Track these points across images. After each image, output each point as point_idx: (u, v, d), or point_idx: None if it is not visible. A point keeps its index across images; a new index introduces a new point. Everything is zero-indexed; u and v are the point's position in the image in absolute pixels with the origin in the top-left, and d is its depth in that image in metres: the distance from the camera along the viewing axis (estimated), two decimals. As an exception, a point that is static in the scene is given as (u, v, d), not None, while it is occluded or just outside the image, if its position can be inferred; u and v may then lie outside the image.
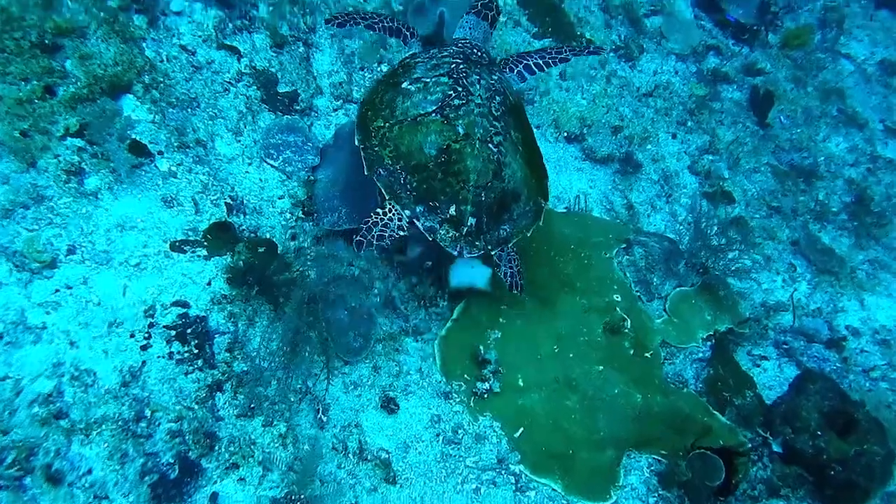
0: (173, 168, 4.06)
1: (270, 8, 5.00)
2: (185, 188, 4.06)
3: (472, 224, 3.58)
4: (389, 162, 3.62)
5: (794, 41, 7.77)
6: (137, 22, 4.32)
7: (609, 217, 5.68)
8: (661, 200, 6.04)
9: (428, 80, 3.77)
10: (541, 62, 4.49)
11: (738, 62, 7.49)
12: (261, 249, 4.01)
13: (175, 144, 4.14)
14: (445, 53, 4.02)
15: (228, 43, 4.70)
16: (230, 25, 4.76)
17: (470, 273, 4.66)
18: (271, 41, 4.91)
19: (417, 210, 3.58)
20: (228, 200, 4.19)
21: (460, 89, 3.69)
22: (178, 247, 3.83)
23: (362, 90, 5.20)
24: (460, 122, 3.60)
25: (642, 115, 6.40)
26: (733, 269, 5.16)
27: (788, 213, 6.28)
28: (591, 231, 5.29)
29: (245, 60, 4.74)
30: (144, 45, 4.30)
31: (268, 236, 4.28)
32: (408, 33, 4.38)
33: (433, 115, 3.62)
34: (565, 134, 6.01)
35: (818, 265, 5.99)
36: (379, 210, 3.66)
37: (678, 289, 5.13)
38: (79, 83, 3.87)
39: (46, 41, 3.83)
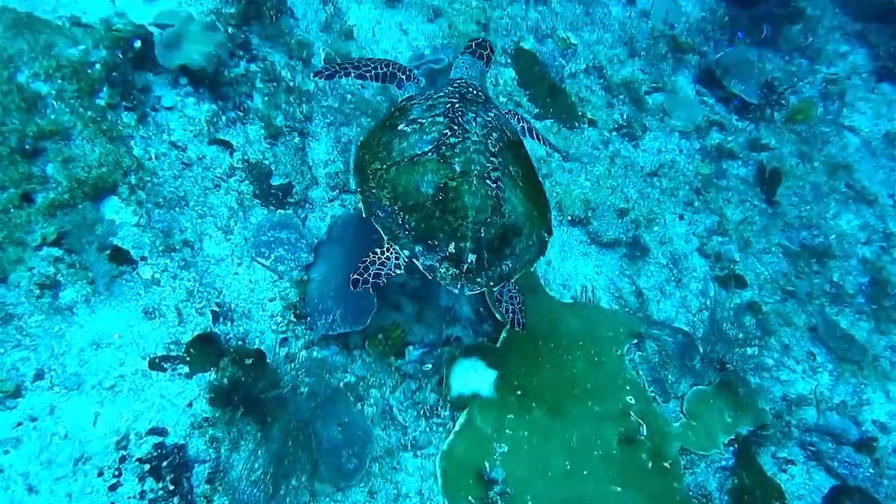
0: (157, 275, 3.80)
1: (265, 98, 4.85)
2: (169, 297, 3.78)
3: (472, 261, 3.48)
4: (387, 203, 3.55)
5: (797, 115, 7.66)
6: (126, 119, 4.13)
7: (618, 305, 5.40)
8: (670, 285, 5.77)
9: (424, 120, 3.74)
10: (537, 135, 4.58)
11: (742, 138, 7.36)
12: (248, 361, 3.70)
13: (160, 248, 3.89)
14: (441, 94, 3.99)
15: (221, 137, 4.50)
16: (223, 118, 4.58)
17: (473, 377, 4.34)
18: (265, 132, 4.73)
19: (416, 249, 3.49)
20: (215, 308, 3.91)
21: (456, 128, 3.66)
22: (157, 364, 3.52)
23: (360, 179, 5.01)
24: (457, 160, 3.55)
25: (648, 195, 6.20)
26: (752, 365, 4.84)
27: (803, 297, 6.00)
28: (600, 324, 4.99)
29: (238, 154, 4.53)
30: (132, 142, 4.10)
31: (257, 344, 3.98)
32: (403, 76, 4.33)
33: (429, 154, 3.58)
34: (569, 217, 5.78)
35: (838, 353, 5.67)
36: (377, 249, 3.55)
37: (695, 388, 4.79)
38: (59, 188, 3.64)
39: (27, 146, 3.62)
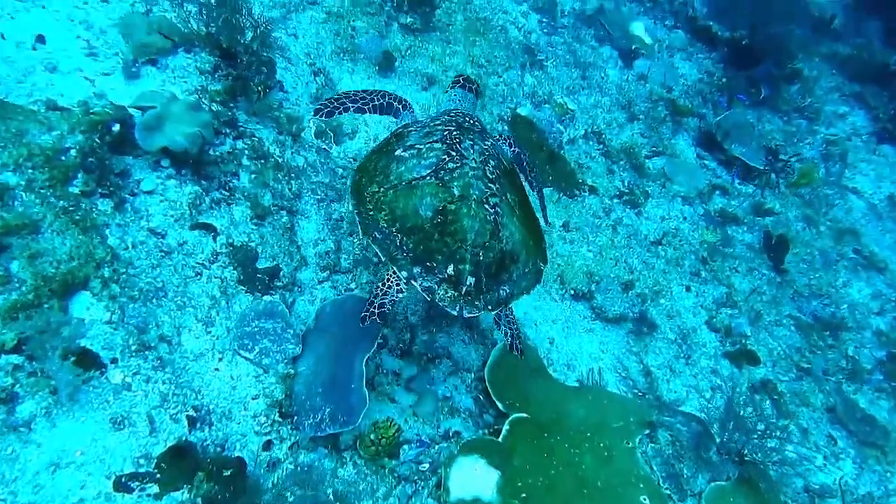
0: (128, 379, 3.46)
1: (253, 176, 4.60)
2: (140, 403, 3.44)
3: (471, 283, 3.43)
4: (385, 225, 3.51)
5: (800, 180, 7.48)
6: (102, 207, 3.86)
7: (626, 387, 5.06)
8: (680, 363, 5.44)
9: (421, 146, 3.72)
10: (527, 166, 4.48)
11: (745, 202, 7.15)
12: (227, 473, 3.34)
13: (133, 347, 3.57)
14: (438, 122, 3.99)
15: (204, 220, 4.23)
16: (207, 199, 4.32)
17: (474, 479, 3.97)
18: (252, 212, 4.47)
19: (415, 271, 3.43)
20: (191, 412, 3.56)
21: (454, 153, 3.65)
22: (123, 484, 3.16)
23: (352, 258, 4.72)
24: (455, 183, 3.53)
25: (653, 266, 5.93)
26: (774, 459, 4.49)
27: (819, 375, 5.67)
28: (609, 412, 4.64)
29: (222, 238, 4.26)
30: (108, 231, 3.82)
31: (237, 449, 3.62)
32: (399, 106, 4.38)
33: (428, 178, 3.55)
34: (572, 291, 5.49)
35: (860, 436, 5.31)
36: (378, 283, 3.57)
37: (713, 483, 4.42)
38: (23, 287, 3.34)
39: (-10, 243, 3.34)
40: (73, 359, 3.28)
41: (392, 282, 3.54)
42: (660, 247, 6.12)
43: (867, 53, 10.24)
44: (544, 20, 7.77)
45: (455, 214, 3.44)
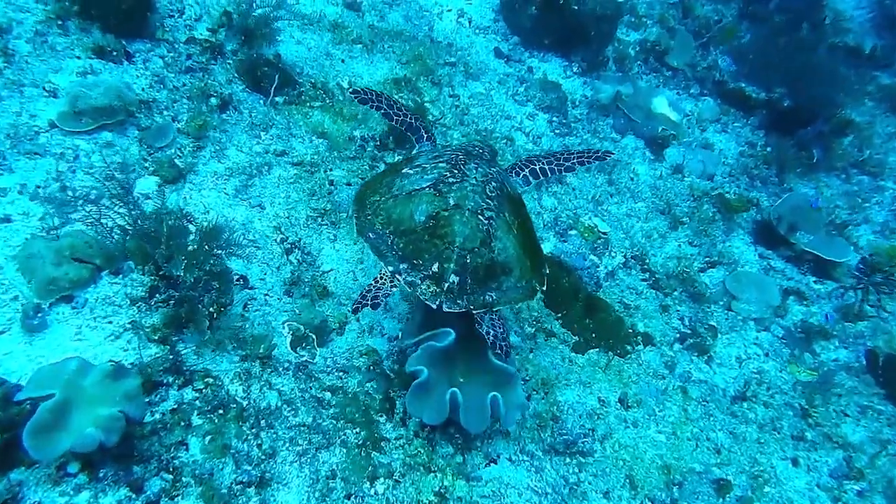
0: None
1: (207, 440, 3.33)
2: None
3: (454, 281, 3.48)
4: (380, 227, 3.64)
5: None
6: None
7: None
8: (807, 580, 3.92)
9: (427, 165, 3.85)
10: (546, 168, 4.37)
11: (827, 304, 5.66)
12: None
13: None
14: (450, 148, 4.16)
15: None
16: (139, 501, 3.04)
17: None
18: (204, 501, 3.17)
19: (401, 267, 3.54)
20: None
21: (456, 171, 3.75)
22: None
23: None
24: (452, 195, 3.62)
25: (743, 437, 4.45)
26: None
27: None
28: None
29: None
30: None
31: None
32: (424, 134, 4.46)
33: (427, 189, 3.65)
34: (649, 500, 4.04)
35: None
36: (371, 281, 3.63)
37: None
38: None
39: None
40: None
41: (384, 279, 3.58)
42: (745, 403, 4.64)
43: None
44: (554, 119, 6.52)
45: (447, 220, 3.54)
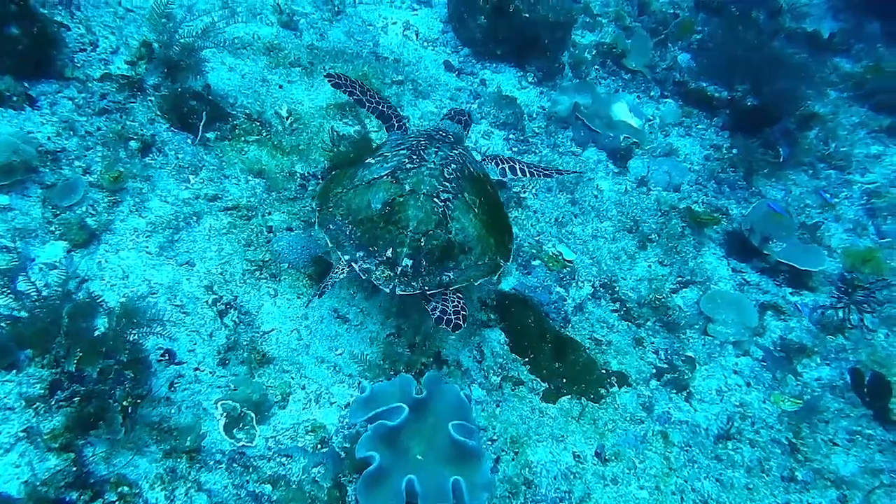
0: None
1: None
2: None
3: (407, 265, 3.51)
4: (339, 218, 3.68)
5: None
6: None
7: None
8: None
9: (389, 153, 3.90)
10: (526, 170, 4.62)
11: (806, 318, 5.31)
12: None
13: None
14: (412, 135, 4.21)
15: None
16: None
17: None
18: None
19: (357, 255, 3.57)
20: None
21: (415, 157, 3.80)
22: None
23: None
24: (408, 181, 3.66)
25: (731, 483, 4.06)
26: None
27: None
28: None
29: None
30: None
31: None
32: (396, 123, 4.53)
33: (385, 177, 3.70)
34: (633, 567, 3.63)
35: None
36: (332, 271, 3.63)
37: None
38: None
39: None
40: None
41: (341, 267, 3.58)
42: (730, 444, 4.25)
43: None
44: (511, 136, 6.04)
45: (402, 206, 3.56)
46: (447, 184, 3.69)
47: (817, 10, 10.25)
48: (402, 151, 3.86)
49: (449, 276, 3.58)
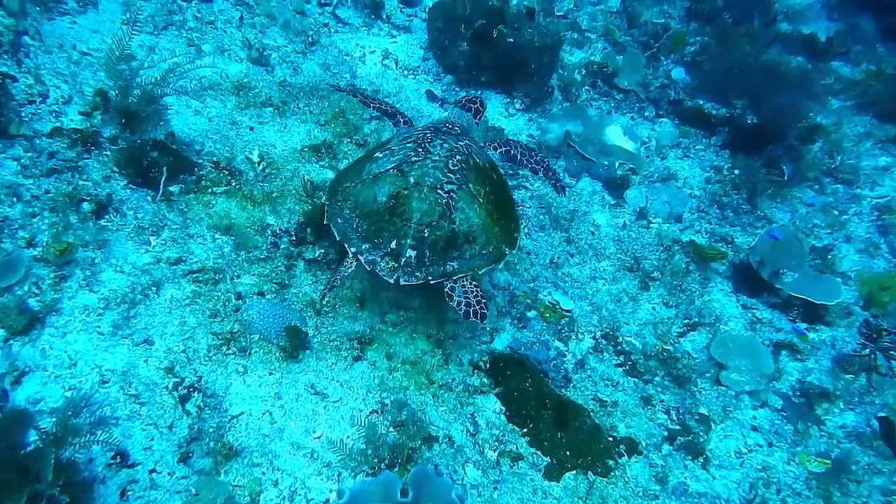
0: None
1: None
2: None
3: (411, 256, 3.54)
4: (347, 212, 3.73)
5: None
6: None
7: None
8: None
9: (395, 147, 3.94)
10: (520, 157, 4.64)
11: (825, 357, 4.84)
12: None
13: None
14: (419, 129, 4.20)
15: None
16: None
17: None
18: None
19: (363, 247, 3.61)
20: None
21: (420, 150, 3.82)
22: None
23: None
24: (413, 174, 3.68)
25: (757, 563, 3.59)
26: None
27: None
28: None
29: None
30: None
31: None
32: (401, 119, 4.56)
33: (391, 171, 3.72)
34: None
35: None
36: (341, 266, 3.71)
37: None
38: None
39: None
40: None
41: (349, 260, 3.63)
42: (756, 514, 3.78)
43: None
44: (503, 167, 5.55)
45: (406, 198, 3.59)
46: (451, 175, 3.71)
47: (811, 11, 9.79)
48: (408, 145, 3.89)
49: (453, 266, 3.61)
